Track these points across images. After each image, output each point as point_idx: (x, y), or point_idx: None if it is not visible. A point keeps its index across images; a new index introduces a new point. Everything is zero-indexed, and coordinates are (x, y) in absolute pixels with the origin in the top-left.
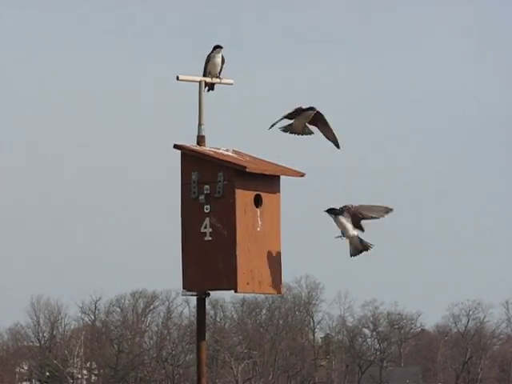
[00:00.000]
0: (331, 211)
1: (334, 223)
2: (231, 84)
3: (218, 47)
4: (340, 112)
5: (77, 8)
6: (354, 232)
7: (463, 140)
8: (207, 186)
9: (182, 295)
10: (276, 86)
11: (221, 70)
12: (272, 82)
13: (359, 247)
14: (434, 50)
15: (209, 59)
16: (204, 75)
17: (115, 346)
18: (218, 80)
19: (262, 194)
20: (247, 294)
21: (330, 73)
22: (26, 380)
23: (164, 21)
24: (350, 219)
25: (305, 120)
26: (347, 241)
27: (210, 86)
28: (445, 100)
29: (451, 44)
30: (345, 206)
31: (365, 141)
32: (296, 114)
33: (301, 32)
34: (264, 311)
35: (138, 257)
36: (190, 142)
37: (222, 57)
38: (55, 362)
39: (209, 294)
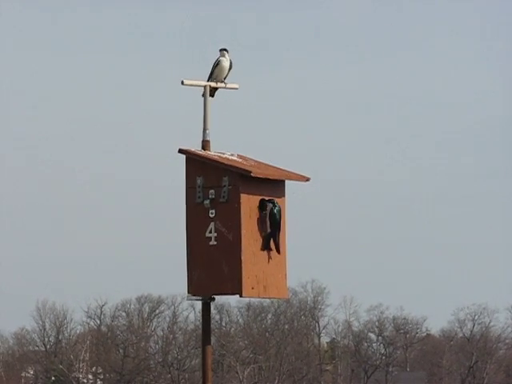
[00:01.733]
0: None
1: None
2: (236, 89)
3: (224, 50)
4: (347, 114)
5: (79, 12)
6: None
7: (471, 146)
8: (212, 191)
9: (188, 300)
10: (281, 90)
11: (227, 75)
12: (277, 86)
13: None
14: (445, 52)
15: (218, 63)
16: (209, 79)
17: (121, 351)
18: (222, 85)
19: (267, 198)
20: (253, 299)
21: (335, 76)
22: None
23: (169, 25)
24: None
25: None
26: None
27: (212, 92)
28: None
29: (458, 46)
30: None
31: (368, 145)
32: None
33: (305, 36)
34: (269, 316)
35: (143, 261)
36: (195, 147)
37: (230, 62)
38: (61, 366)
39: (214, 299)
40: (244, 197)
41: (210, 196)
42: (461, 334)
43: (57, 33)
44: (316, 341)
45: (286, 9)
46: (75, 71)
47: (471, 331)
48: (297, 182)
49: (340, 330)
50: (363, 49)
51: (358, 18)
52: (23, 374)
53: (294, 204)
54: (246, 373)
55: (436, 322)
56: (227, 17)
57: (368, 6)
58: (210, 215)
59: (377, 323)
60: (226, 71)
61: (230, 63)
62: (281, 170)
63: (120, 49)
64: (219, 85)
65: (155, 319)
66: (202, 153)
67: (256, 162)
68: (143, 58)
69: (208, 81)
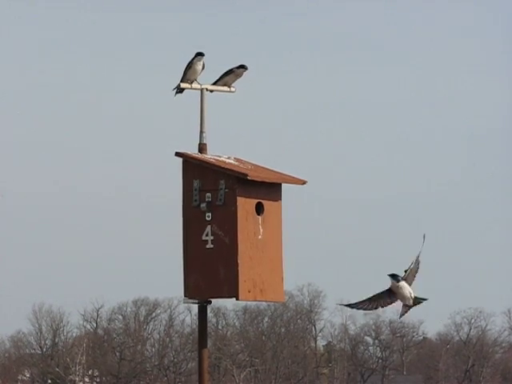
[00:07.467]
0: (394, 277)
1: (399, 290)
2: (233, 92)
3: (200, 54)
4: (343, 120)
5: (77, 15)
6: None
7: (470, 150)
8: (209, 194)
9: (184, 303)
10: (278, 93)
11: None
12: (274, 89)
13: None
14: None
15: (190, 65)
16: (182, 80)
17: (117, 354)
18: (219, 88)
19: (264, 201)
20: (249, 302)
21: (333, 81)
22: None
23: (163, 29)
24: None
25: None
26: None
27: (180, 90)
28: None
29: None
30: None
31: (367, 150)
32: None
33: (303, 40)
34: (266, 319)
35: (139, 264)
36: (192, 150)
37: (203, 63)
38: (57, 369)
39: (210, 302)
40: (241, 200)
41: (207, 199)
42: (457, 338)
43: (47, 33)
44: (312, 344)
45: (286, 13)
46: (73, 77)
47: (468, 335)
48: (293, 185)
49: (336, 333)
50: (365, 54)
51: (358, 23)
52: (20, 377)
53: (290, 208)
54: (242, 376)
55: (432, 326)
56: (226, 18)
57: (371, 12)
58: (207, 218)
59: (373, 327)
60: (198, 73)
61: (203, 65)
62: (277, 173)
63: (115, 50)
64: (214, 87)
65: (151, 322)
66: (199, 156)
67: (253, 165)
68: (139, 59)
69: (181, 82)
